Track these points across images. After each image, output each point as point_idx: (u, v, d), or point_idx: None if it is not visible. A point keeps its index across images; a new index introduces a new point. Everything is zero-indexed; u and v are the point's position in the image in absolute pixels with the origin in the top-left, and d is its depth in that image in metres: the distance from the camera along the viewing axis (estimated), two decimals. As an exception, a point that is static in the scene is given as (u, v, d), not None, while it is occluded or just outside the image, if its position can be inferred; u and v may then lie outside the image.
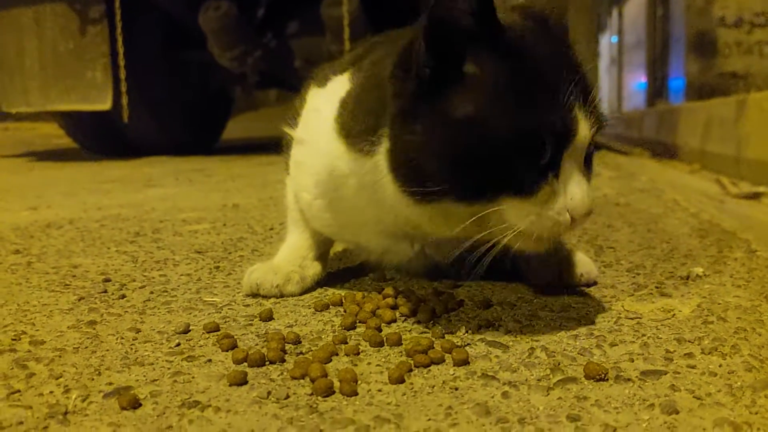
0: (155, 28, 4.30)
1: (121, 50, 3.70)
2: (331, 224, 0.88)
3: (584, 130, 0.67)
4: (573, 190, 0.67)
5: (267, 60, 4.35)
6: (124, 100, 3.72)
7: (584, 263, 0.91)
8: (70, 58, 3.80)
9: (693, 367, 0.61)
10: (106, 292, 0.94)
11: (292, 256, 0.93)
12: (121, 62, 3.68)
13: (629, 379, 0.58)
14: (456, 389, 0.58)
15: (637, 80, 11.86)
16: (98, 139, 4.42)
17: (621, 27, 14.47)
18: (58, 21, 3.80)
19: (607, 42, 15.55)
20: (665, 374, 0.59)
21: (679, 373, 0.59)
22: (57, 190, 2.46)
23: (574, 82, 0.65)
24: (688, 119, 4.25)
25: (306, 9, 4.09)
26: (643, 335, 0.69)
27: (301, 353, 0.67)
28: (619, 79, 14.92)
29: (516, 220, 0.66)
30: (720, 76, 7.25)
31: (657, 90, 10.28)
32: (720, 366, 0.61)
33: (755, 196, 2.40)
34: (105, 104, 3.77)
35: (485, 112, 0.64)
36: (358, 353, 0.67)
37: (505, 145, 0.63)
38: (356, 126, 0.75)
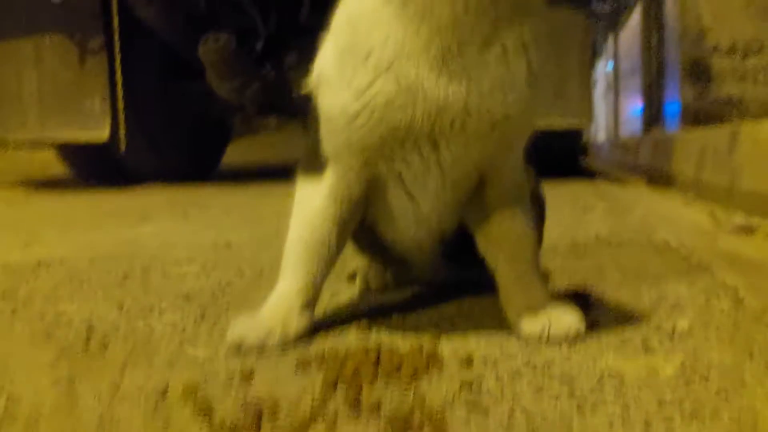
0: (154, 58, 4.35)
1: (119, 81, 3.73)
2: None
3: None
4: None
5: (265, 91, 4.39)
6: (122, 131, 3.74)
7: (569, 316, 0.90)
8: (68, 89, 3.83)
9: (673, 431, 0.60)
10: (88, 343, 0.94)
11: (277, 307, 0.92)
12: (119, 93, 3.71)
13: (607, 449, 0.58)
14: (432, 460, 0.57)
15: (633, 105, 11.96)
16: (96, 168, 4.44)
17: (616, 53, 14.62)
18: (58, 52, 3.84)
19: (602, 68, 15.70)
20: (644, 443, 0.59)
21: (657, 442, 0.59)
22: (52, 224, 2.46)
23: None
24: (682, 148, 4.27)
25: (305, 41, 4.13)
26: (625, 395, 0.69)
27: (278, 420, 0.67)
28: (615, 105, 15.04)
29: None
30: (715, 102, 7.30)
31: (653, 116, 10.36)
32: (699, 431, 0.60)
33: (749, 230, 2.40)
34: (102, 134, 3.79)
35: None
36: (335, 420, 0.66)
37: None
38: None
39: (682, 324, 0.92)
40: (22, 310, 1.14)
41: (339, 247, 0.95)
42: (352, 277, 1.32)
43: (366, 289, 1.22)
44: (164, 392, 0.74)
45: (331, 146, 0.90)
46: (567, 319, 0.89)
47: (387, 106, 0.82)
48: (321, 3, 4.05)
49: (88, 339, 0.95)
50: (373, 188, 0.93)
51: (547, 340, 0.88)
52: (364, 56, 0.82)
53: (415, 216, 0.96)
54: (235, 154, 6.34)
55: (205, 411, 0.68)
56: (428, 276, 1.18)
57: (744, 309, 1.01)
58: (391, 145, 0.86)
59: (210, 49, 3.98)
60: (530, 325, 0.91)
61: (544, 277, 1.30)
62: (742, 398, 0.68)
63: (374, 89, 0.82)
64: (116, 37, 3.71)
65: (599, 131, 15.09)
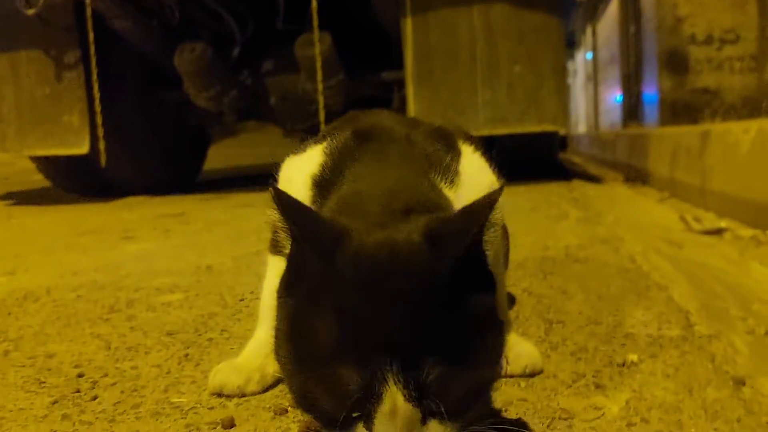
0: (131, 69, 4.37)
1: (97, 95, 3.75)
2: None
3: (391, 406, 0.60)
4: None
5: (243, 98, 4.43)
6: (101, 145, 3.77)
7: (529, 354, 0.97)
8: (46, 104, 3.85)
9: (609, 482, 0.67)
10: (78, 391, 0.99)
11: (254, 354, 0.98)
12: (98, 108, 3.74)
13: (550, 499, 0.65)
14: None
15: (613, 95, 12.08)
16: (76, 180, 4.46)
17: (595, 44, 14.73)
18: (34, 67, 3.85)
19: (582, 59, 15.80)
20: (583, 491, 0.66)
21: (595, 489, 0.66)
22: (35, 246, 2.49)
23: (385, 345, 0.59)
24: (657, 146, 4.37)
25: (280, 48, 4.18)
26: (572, 440, 0.76)
27: (257, 472, 0.73)
28: (595, 95, 15.15)
29: None
30: (693, 92, 7.44)
31: (632, 106, 10.48)
32: (633, 479, 0.67)
33: (718, 232, 2.50)
34: (82, 148, 3.82)
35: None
36: (310, 469, 0.72)
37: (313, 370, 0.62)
38: None
39: (632, 357, 1.00)
40: (13, 353, 1.19)
41: None
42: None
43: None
44: (151, 446, 0.80)
45: None
46: (525, 357, 0.96)
47: None
48: (296, 9, 4.11)
49: (78, 386, 1.01)
50: None
51: (506, 376, 0.95)
52: None
53: None
54: (216, 158, 6.36)
55: (190, 467, 0.74)
56: None
57: (692, 336, 1.09)
58: None
59: (186, 59, 4.02)
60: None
61: (511, 301, 1.37)
62: (677, 439, 0.75)
63: None
64: (92, 50, 3.73)
65: (580, 122, 15.24)
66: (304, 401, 0.64)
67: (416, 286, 0.61)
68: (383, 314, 0.60)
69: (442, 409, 0.61)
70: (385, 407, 0.59)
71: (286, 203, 0.66)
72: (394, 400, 0.59)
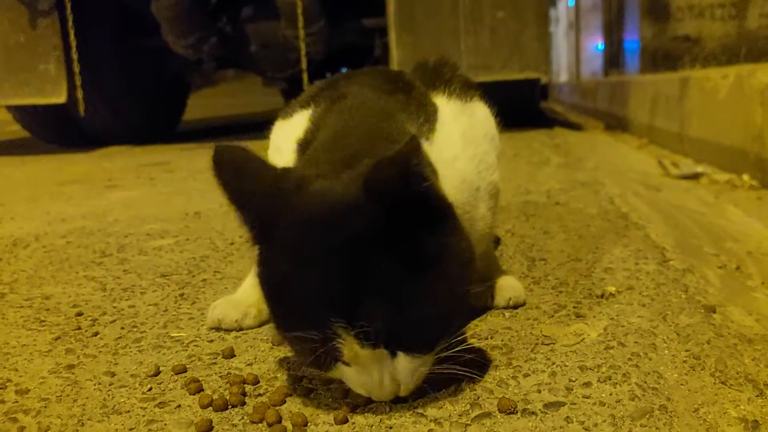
0: (108, 16, 4.27)
1: (73, 43, 3.68)
2: None
3: (351, 354, 0.67)
4: (362, 380, 0.70)
5: (222, 46, 4.36)
6: (80, 94, 3.71)
7: (513, 288, 1.02)
8: (21, 52, 3.77)
9: (588, 397, 0.72)
10: (79, 329, 1.02)
11: (251, 290, 1.02)
12: (74, 55, 3.67)
13: (533, 413, 0.70)
14: (390, 428, 0.69)
15: (594, 43, 12.01)
16: (54, 129, 4.40)
17: (577, -9, 14.53)
18: (7, 14, 3.75)
19: (564, 6, 15.64)
20: (564, 405, 0.71)
21: (575, 404, 0.71)
22: (18, 195, 2.49)
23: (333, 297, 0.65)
24: (637, 93, 4.40)
25: (260, -7, 4.10)
26: (554, 363, 0.81)
27: (260, 395, 0.77)
28: (576, 43, 15.04)
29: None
30: (674, 39, 7.43)
31: (614, 55, 10.45)
32: (610, 395, 0.73)
33: (694, 177, 2.56)
34: (60, 97, 3.76)
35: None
36: (309, 393, 0.77)
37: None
38: None
39: (610, 289, 1.05)
40: (10, 295, 1.22)
41: None
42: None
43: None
44: (156, 375, 0.84)
45: None
46: (509, 290, 1.01)
47: None
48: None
49: (78, 324, 1.04)
50: None
51: (492, 307, 1.00)
52: None
53: None
54: (196, 108, 6.28)
55: (195, 389, 0.78)
56: None
57: (667, 270, 1.15)
58: None
59: (163, 5, 3.93)
60: (477, 295, 1.02)
61: (495, 242, 1.42)
62: (651, 361, 0.80)
63: None
64: (67, -4, 3.64)
65: (561, 71, 15.18)
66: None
67: (350, 238, 0.65)
68: (324, 273, 0.65)
69: (405, 345, 0.68)
70: (346, 357, 0.67)
71: (224, 179, 0.74)
72: (352, 349, 0.66)
